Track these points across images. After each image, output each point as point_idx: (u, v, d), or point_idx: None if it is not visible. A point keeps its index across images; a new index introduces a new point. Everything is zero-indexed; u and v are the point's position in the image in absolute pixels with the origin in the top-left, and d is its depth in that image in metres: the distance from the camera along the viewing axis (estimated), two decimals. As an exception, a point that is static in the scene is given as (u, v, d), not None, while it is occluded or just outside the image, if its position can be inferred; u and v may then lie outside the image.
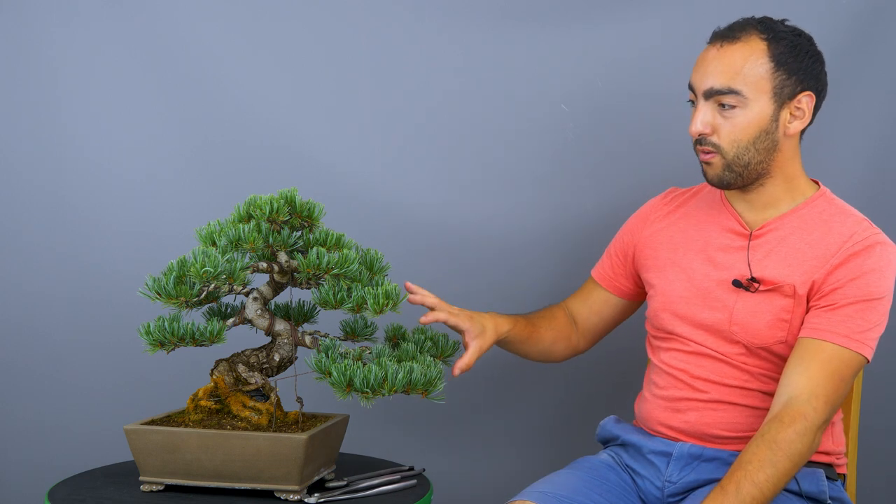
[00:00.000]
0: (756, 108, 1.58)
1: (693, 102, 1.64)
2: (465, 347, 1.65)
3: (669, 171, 2.06)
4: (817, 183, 1.69)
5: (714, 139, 1.60)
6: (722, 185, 1.63)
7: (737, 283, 1.61)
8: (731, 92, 1.57)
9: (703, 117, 1.60)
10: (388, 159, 2.15)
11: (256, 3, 2.11)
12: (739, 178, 1.62)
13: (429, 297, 1.65)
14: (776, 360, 1.60)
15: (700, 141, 1.62)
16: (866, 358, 1.56)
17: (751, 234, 1.65)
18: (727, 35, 1.61)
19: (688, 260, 1.69)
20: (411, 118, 2.15)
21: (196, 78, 2.11)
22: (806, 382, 1.51)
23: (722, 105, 1.59)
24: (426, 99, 2.14)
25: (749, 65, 1.57)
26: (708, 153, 1.62)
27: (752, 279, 1.60)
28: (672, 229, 1.75)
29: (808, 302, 1.58)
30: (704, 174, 1.65)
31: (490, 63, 2.13)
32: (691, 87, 1.63)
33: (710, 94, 1.59)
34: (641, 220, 1.81)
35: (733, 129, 1.59)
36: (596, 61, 2.13)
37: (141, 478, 1.53)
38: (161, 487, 1.53)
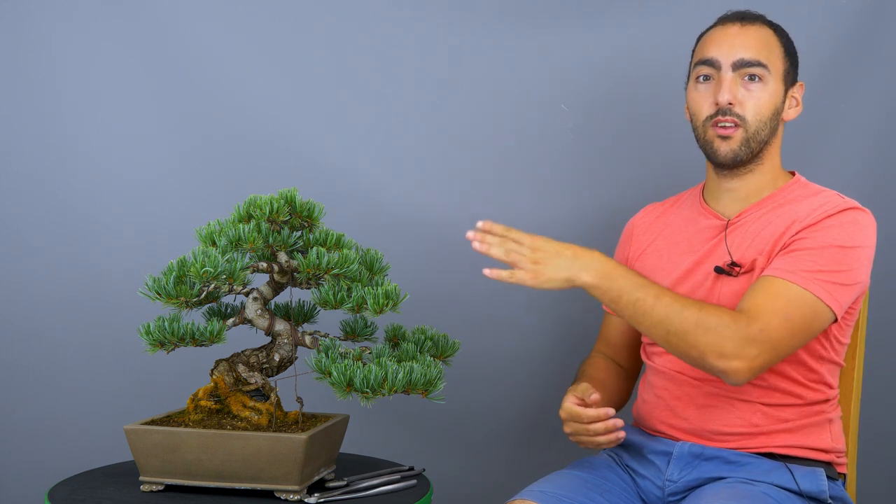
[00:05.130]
0: (773, 86, 1.64)
1: (707, 77, 1.66)
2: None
3: (669, 171, 2.06)
4: (792, 173, 1.73)
5: (738, 110, 1.63)
6: (735, 161, 1.65)
7: (718, 270, 1.63)
8: (759, 65, 1.63)
9: (731, 87, 1.63)
10: (388, 159, 2.15)
11: (257, 3, 2.11)
12: (752, 154, 1.65)
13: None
14: None
15: (724, 112, 1.63)
16: (821, 300, 1.52)
17: (727, 223, 1.67)
18: (743, 17, 1.67)
19: (673, 263, 1.71)
20: (411, 118, 2.15)
21: (196, 77, 2.11)
22: (753, 306, 1.50)
23: (748, 78, 1.63)
24: (426, 99, 2.15)
25: (770, 45, 1.65)
26: (729, 127, 1.63)
27: (733, 263, 1.62)
28: (656, 238, 1.78)
29: None
30: (716, 152, 1.65)
31: (490, 63, 2.13)
32: (709, 63, 1.65)
33: (740, 66, 1.63)
34: (627, 238, 1.85)
35: (758, 103, 1.63)
36: (596, 61, 2.13)
37: (141, 478, 1.53)
38: (161, 487, 1.53)
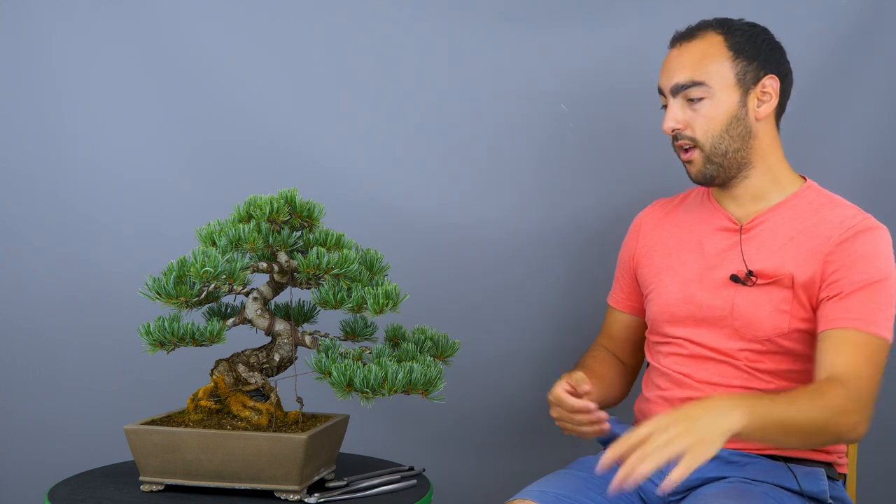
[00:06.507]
0: (723, 97, 1.63)
1: (665, 105, 1.69)
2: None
3: (669, 171, 2.05)
4: (804, 178, 1.72)
5: (688, 133, 1.65)
6: (706, 180, 1.67)
7: (734, 279, 1.63)
8: (695, 84, 1.63)
9: (673, 114, 1.66)
10: (388, 159, 2.15)
11: (257, 4, 2.11)
12: (721, 169, 1.66)
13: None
14: (778, 355, 1.61)
15: (676, 137, 1.67)
16: (887, 340, 1.55)
17: (741, 229, 1.67)
18: (685, 35, 1.68)
19: (682, 262, 1.71)
20: (411, 118, 2.15)
21: (196, 77, 2.11)
22: (845, 366, 1.50)
23: (690, 99, 1.64)
24: (426, 99, 2.14)
25: (709, 57, 1.64)
26: (687, 151, 1.66)
27: (750, 273, 1.61)
28: (664, 235, 1.78)
29: (809, 293, 1.59)
30: (689, 174, 1.69)
31: (489, 63, 2.13)
32: (660, 91, 1.70)
33: (677, 90, 1.65)
34: (634, 233, 1.85)
35: (705, 120, 1.64)
36: (595, 61, 2.13)
37: (141, 478, 1.53)
38: (161, 487, 1.53)
